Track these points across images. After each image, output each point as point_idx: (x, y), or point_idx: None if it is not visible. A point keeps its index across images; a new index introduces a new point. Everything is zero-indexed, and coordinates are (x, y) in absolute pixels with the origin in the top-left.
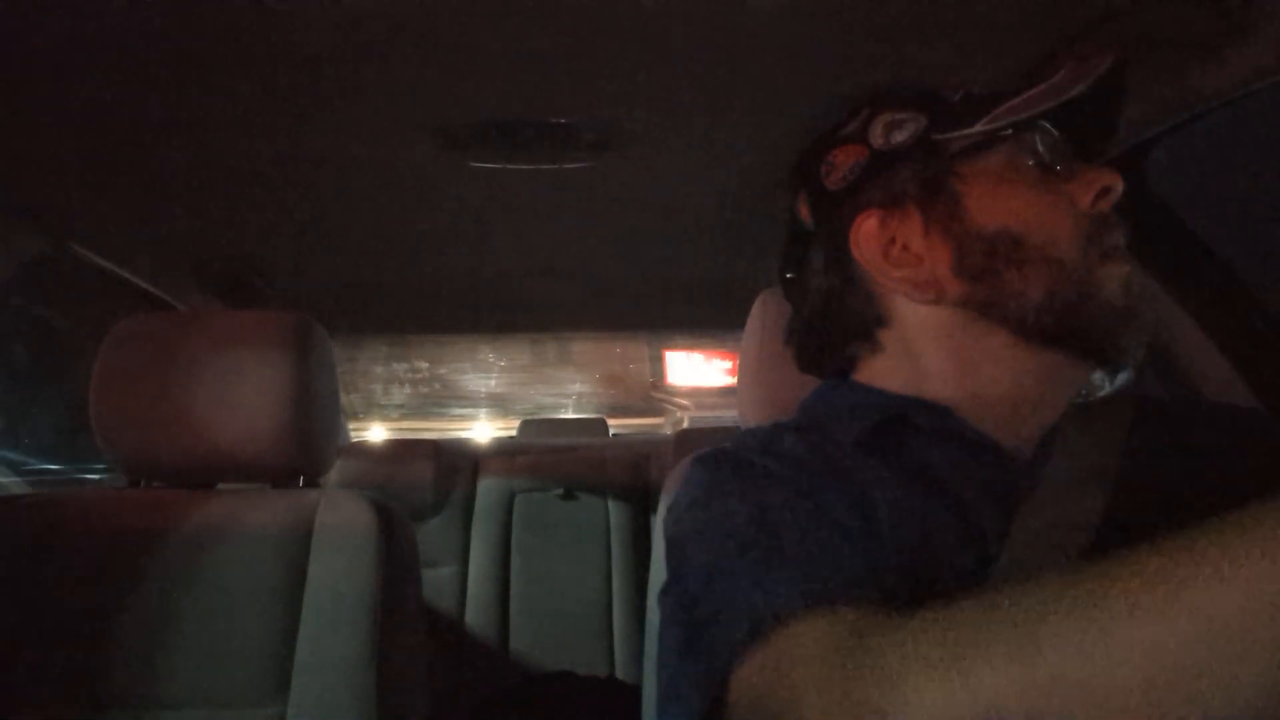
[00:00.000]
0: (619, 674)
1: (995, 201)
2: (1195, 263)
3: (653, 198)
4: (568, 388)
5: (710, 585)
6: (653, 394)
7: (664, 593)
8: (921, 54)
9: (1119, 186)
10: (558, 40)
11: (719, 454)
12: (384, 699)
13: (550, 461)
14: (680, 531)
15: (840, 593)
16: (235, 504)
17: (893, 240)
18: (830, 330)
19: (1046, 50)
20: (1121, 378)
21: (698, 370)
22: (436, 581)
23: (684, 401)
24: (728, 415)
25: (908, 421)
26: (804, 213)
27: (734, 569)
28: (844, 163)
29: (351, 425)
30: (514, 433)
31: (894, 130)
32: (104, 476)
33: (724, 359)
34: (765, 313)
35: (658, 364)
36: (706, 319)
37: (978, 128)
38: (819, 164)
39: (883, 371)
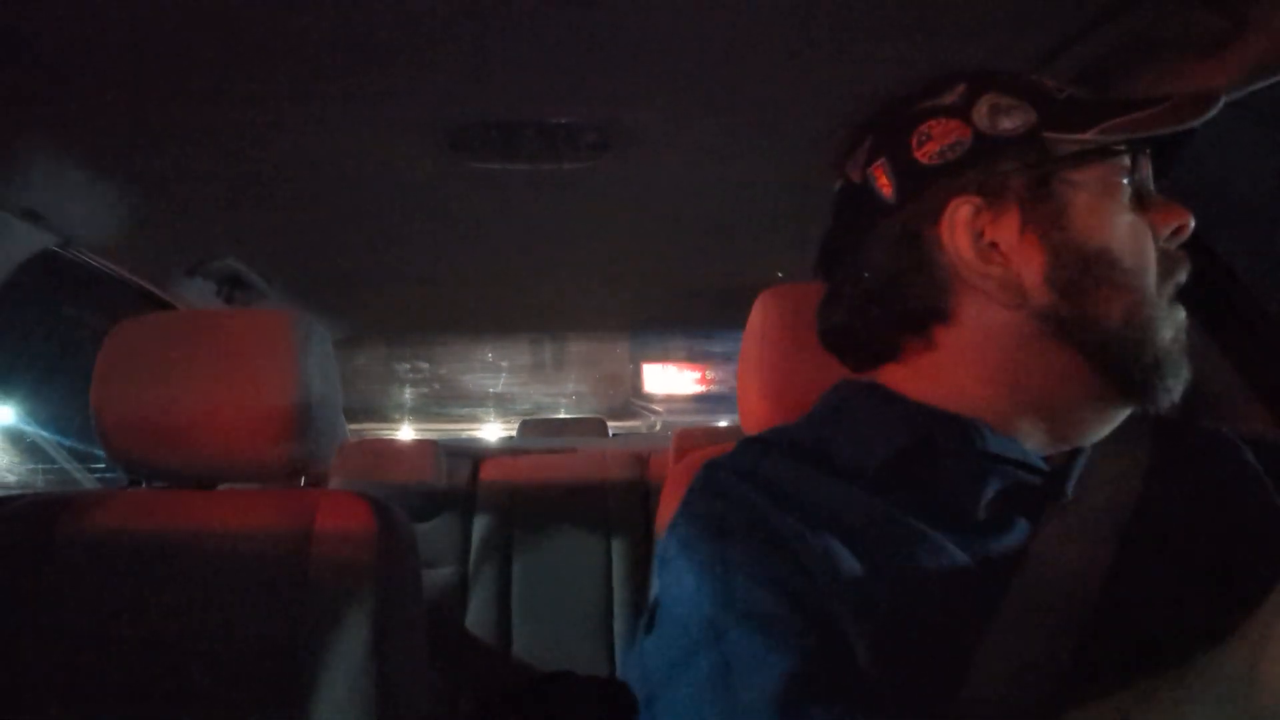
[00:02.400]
0: (619, 674)
1: (1098, 217)
2: (1195, 263)
3: (652, 198)
4: (562, 386)
5: (671, 678)
6: (632, 400)
7: (648, 625)
8: (921, 54)
9: (1191, 225)
10: (558, 41)
11: (710, 482)
12: (384, 699)
13: (550, 462)
14: (660, 586)
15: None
16: (235, 504)
17: (981, 234)
18: (884, 316)
19: (1047, 50)
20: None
21: (670, 379)
22: (437, 581)
23: (658, 408)
24: (697, 420)
25: (934, 445)
26: (882, 181)
27: (684, 674)
28: (942, 137)
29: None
30: (513, 433)
31: (1000, 116)
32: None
33: (693, 370)
34: (765, 313)
35: (636, 374)
36: (706, 319)
37: (1090, 135)
38: (910, 131)
39: (924, 373)
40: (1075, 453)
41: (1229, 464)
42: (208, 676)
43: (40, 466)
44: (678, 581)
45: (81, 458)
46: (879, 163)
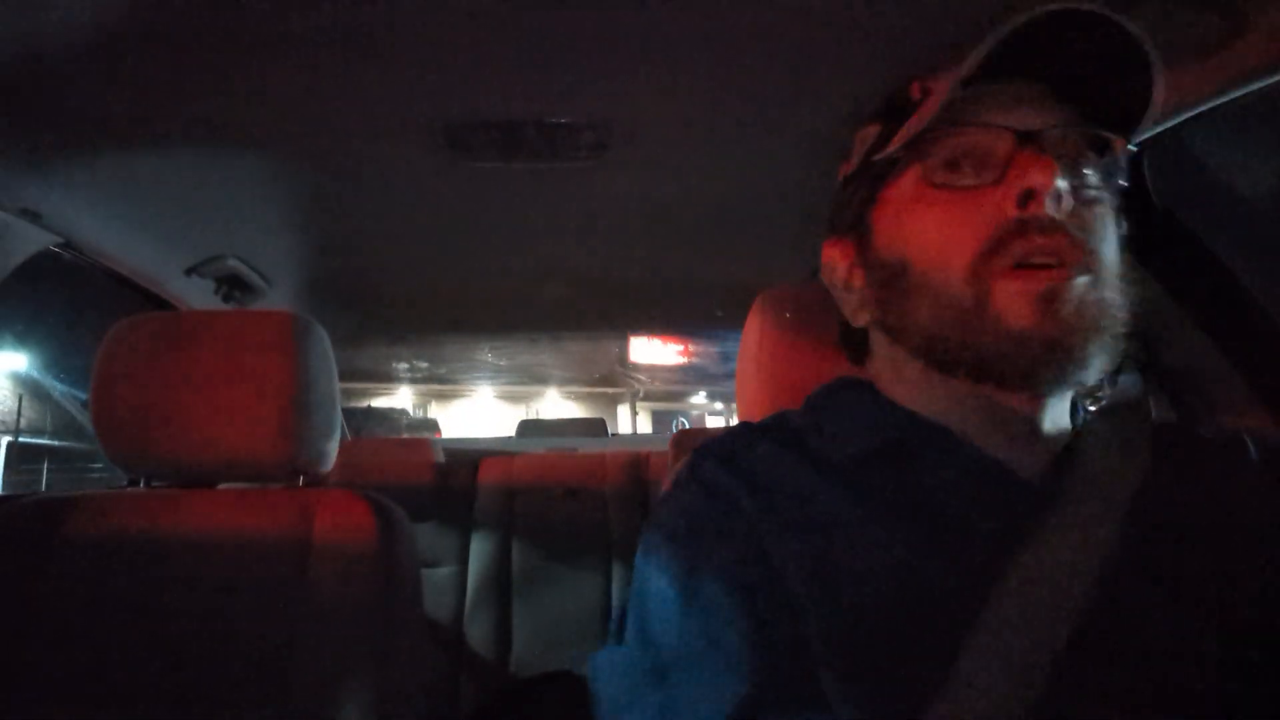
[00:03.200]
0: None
1: (897, 228)
2: (1195, 263)
3: (651, 197)
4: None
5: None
6: (617, 368)
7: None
8: (920, 54)
9: (1047, 183)
10: (558, 41)
11: (694, 471)
12: (384, 699)
13: (550, 462)
14: (632, 593)
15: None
16: (235, 503)
17: (835, 269)
18: (848, 328)
19: None
20: (1120, 386)
21: (654, 352)
22: (436, 581)
23: (642, 377)
24: (674, 388)
25: (907, 446)
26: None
27: (672, 658)
28: (842, 176)
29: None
30: (512, 432)
31: (860, 146)
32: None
33: (676, 343)
34: (764, 312)
35: (623, 346)
36: (707, 319)
37: (892, 145)
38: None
39: (888, 378)
40: (1066, 463)
41: (1234, 466)
42: (207, 676)
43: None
44: (647, 585)
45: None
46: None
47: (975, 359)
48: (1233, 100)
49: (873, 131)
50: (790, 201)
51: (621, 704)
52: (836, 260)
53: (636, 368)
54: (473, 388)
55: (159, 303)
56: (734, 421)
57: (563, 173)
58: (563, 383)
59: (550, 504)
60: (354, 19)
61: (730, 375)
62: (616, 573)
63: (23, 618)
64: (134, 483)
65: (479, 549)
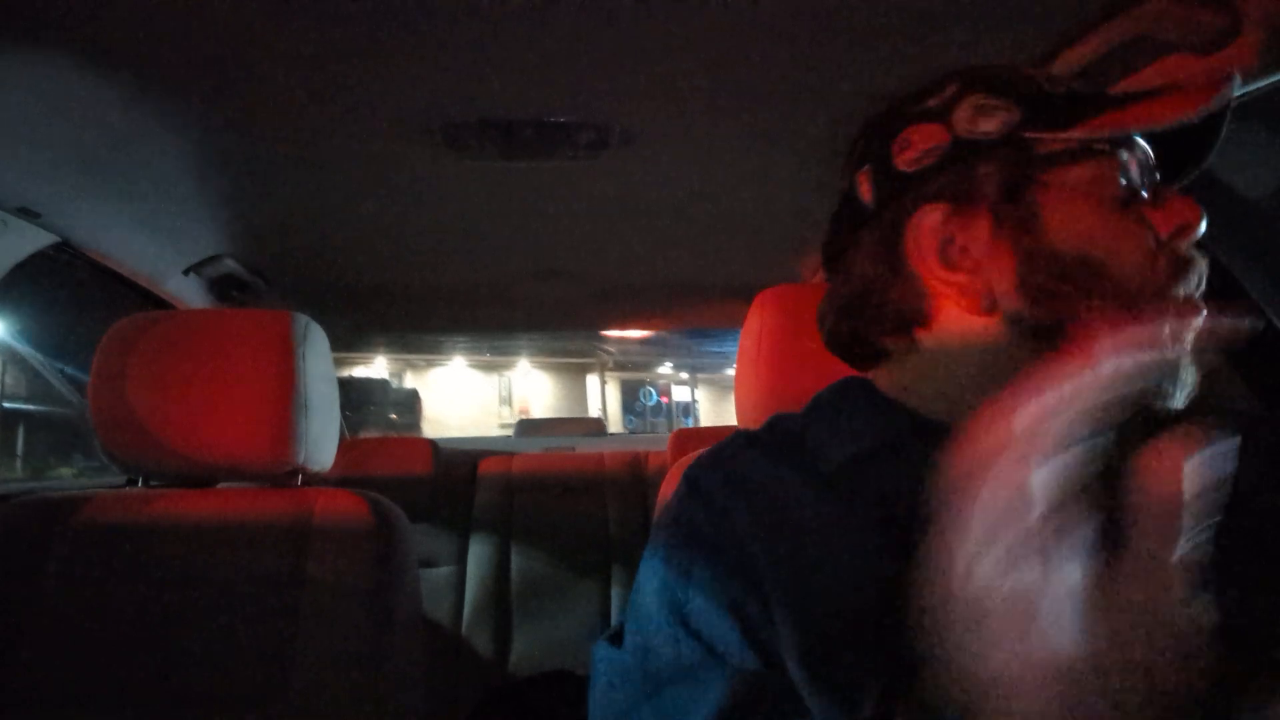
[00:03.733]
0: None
1: (1077, 220)
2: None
3: (650, 197)
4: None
5: (645, 667)
6: (587, 340)
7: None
8: (919, 53)
9: (1200, 225)
10: (558, 41)
11: (689, 485)
12: (382, 698)
13: (548, 461)
14: (636, 587)
15: None
16: (234, 502)
17: (952, 239)
18: (866, 319)
19: (1045, 50)
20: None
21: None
22: (435, 581)
23: (610, 349)
24: (640, 359)
25: (897, 449)
26: (864, 189)
27: (665, 667)
28: (920, 143)
29: None
30: (510, 432)
31: (981, 117)
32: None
33: None
34: (763, 313)
35: None
36: (706, 319)
37: (1074, 133)
38: (891, 139)
39: (908, 374)
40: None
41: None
42: (206, 675)
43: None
44: (645, 595)
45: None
46: (863, 169)
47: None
48: (1232, 99)
49: (992, 103)
50: (788, 202)
51: (617, 711)
52: (959, 231)
53: (605, 339)
54: (447, 358)
55: (158, 302)
56: (698, 392)
57: (562, 172)
58: (534, 353)
59: (549, 503)
60: (353, 19)
61: (693, 349)
62: (616, 571)
63: (22, 617)
64: (133, 482)
65: (478, 548)
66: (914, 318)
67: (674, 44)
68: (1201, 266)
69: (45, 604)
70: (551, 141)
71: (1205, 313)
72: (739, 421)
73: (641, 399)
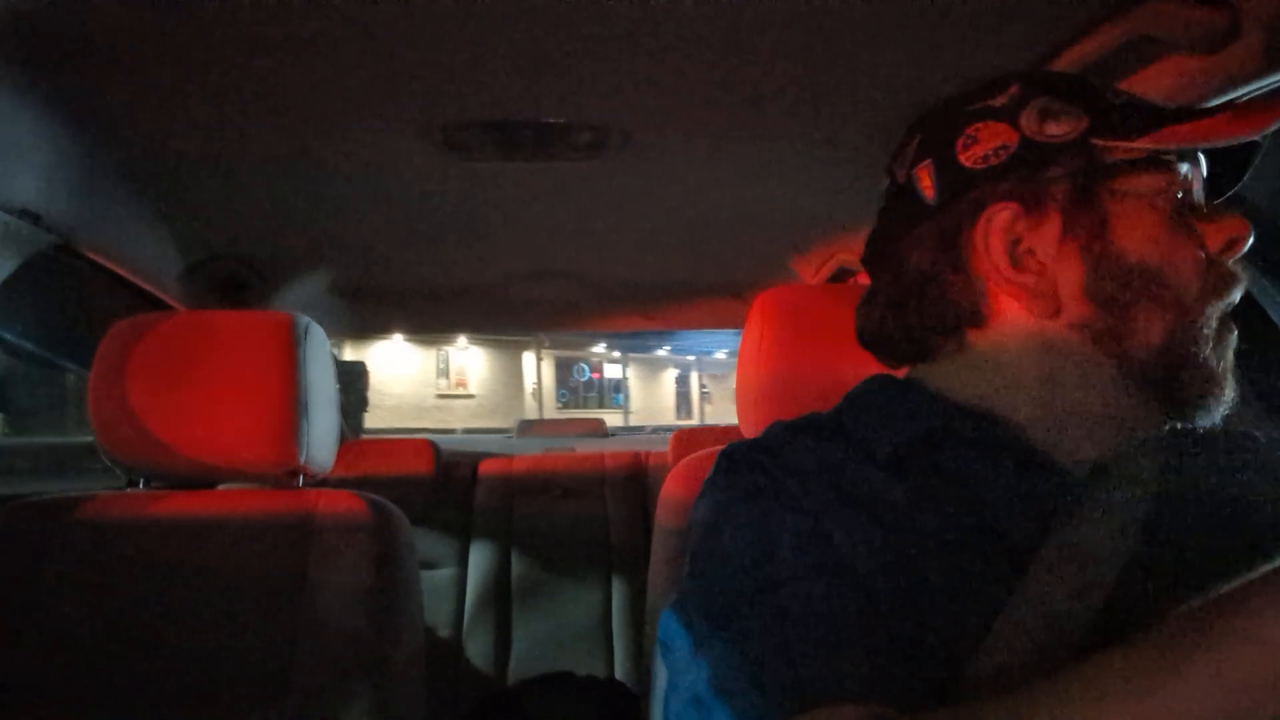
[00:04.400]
0: (618, 675)
1: (1143, 230)
2: None
3: (650, 198)
4: None
5: (729, 625)
6: None
7: (685, 599)
8: (919, 55)
9: (1248, 240)
10: (558, 41)
11: (738, 460)
12: (383, 699)
13: (548, 462)
14: (699, 544)
15: (843, 686)
16: (234, 503)
17: (1019, 240)
18: (918, 315)
19: (1045, 50)
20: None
21: None
22: (435, 583)
23: None
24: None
25: (951, 431)
26: (925, 183)
27: (746, 623)
28: (988, 140)
29: None
30: (510, 433)
31: (1049, 120)
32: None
33: None
34: (764, 314)
35: None
36: (706, 319)
37: (1143, 143)
38: (957, 134)
39: (956, 373)
40: (1104, 465)
41: (1245, 459)
42: (207, 676)
43: None
44: (718, 540)
45: None
46: (924, 164)
47: (1181, 384)
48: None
49: (1060, 108)
50: (787, 203)
51: (704, 635)
52: (1027, 232)
53: None
54: (386, 333)
55: (158, 303)
56: (628, 370)
57: (561, 173)
58: (472, 329)
59: (550, 504)
60: (353, 19)
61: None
62: (616, 573)
63: (22, 617)
64: (133, 483)
65: (478, 550)
66: (970, 317)
67: (673, 44)
68: (1245, 282)
69: (45, 604)
70: (550, 142)
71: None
72: (740, 422)
73: (575, 375)
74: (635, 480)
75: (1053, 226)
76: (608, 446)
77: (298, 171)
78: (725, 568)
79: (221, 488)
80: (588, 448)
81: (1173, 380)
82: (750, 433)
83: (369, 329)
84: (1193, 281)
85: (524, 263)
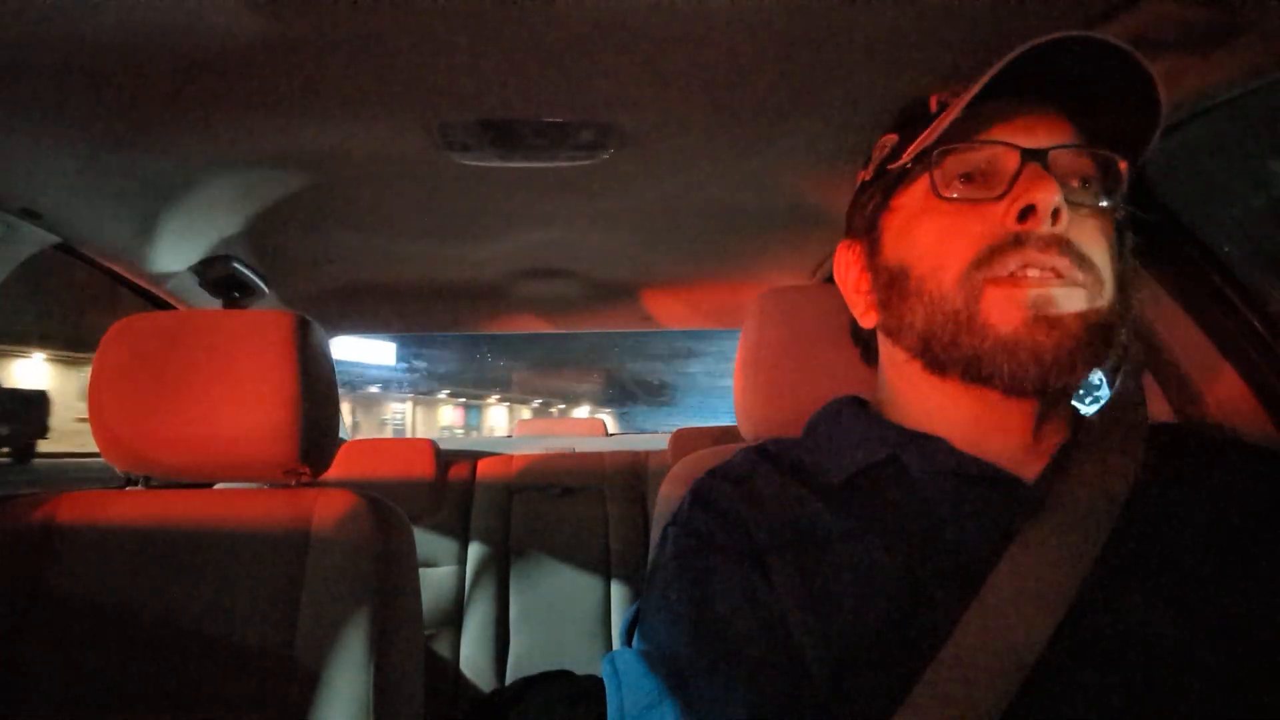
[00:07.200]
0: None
1: (902, 234)
2: (1195, 263)
3: (649, 198)
4: None
5: (682, 689)
6: None
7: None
8: (916, 57)
9: (1048, 200)
10: (558, 41)
11: (701, 496)
12: (382, 698)
13: (548, 462)
14: (648, 601)
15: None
16: (233, 503)
17: (852, 268)
18: (858, 328)
19: None
20: (1120, 387)
21: None
22: (435, 581)
23: None
24: None
25: (895, 460)
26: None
27: (696, 692)
28: (861, 178)
29: None
30: (510, 433)
31: (879, 154)
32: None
33: None
34: (762, 314)
35: None
36: (706, 319)
37: (903, 160)
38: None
39: (891, 379)
40: (1064, 462)
41: (1232, 467)
42: (207, 675)
43: None
44: (664, 593)
45: None
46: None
47: (965, 360)
48: (1232, 100)
49: (890, 140)
50: (788, 203)
51: (642, 706)
52: (849, 263)
53: None
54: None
55: (158, 303)
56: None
57: (561, 173)
58: None
59: (549, 503)
60: (352, 19)
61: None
62: (615, 572)
63: (22, 617)
64: (133, 482)
65: (477, 549)
66: (866, 341)
67: (673, 44)
68: (1041, 240)
69: (45, 604)
70: (550, 142)
71: (1043, 287)
72: (739, 422)
73: None
74: (635, 480)
75: (860, 251)
76: (608, 446)
77: (298, 171)
78: (675, 628)
79: (221, 487)
80: (587, 448)
81: (959, 357)
82: (749, 431)
83: (369, 329)
84: (950, 264)
85: (523, 262)
